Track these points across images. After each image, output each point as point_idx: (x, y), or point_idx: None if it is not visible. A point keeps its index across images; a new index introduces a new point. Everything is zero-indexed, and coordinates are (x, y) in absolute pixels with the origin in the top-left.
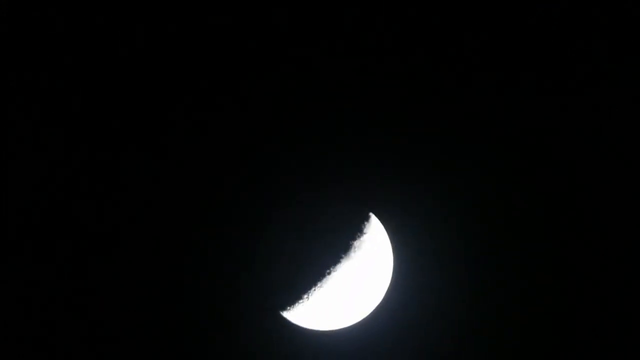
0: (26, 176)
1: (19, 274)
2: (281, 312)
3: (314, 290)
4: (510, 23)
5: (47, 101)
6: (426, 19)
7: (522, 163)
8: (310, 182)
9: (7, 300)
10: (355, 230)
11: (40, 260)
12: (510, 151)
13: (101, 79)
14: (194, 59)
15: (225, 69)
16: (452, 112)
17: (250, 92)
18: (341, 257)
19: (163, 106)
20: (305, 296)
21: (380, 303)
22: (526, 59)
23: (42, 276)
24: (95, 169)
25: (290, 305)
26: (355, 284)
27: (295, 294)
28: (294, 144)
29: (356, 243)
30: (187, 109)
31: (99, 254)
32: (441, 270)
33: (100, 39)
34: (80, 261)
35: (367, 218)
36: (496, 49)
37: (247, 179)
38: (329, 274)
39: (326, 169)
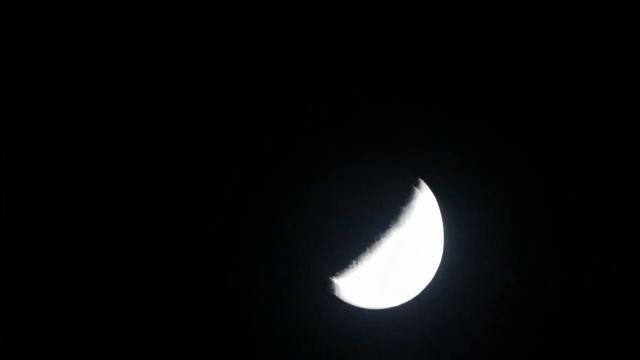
0: (37, 176)
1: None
2: (328, 284)
3: (362, 262)
4: None
5: (48, 101)
6: None
7: (579, 132)
8: (358, 147)
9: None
10: (405, 197)
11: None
12: (572, 120)
13: (110, 79)
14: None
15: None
16: (511, 79)
17: (305, 55)
18: (391, 232)
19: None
20: (353, 268)
21: (433, 279)
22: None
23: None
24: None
25: (337, 277)
26: (406, 256)
27: (342, 265)
28: (349, 104)
29: (406, 216)
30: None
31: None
32: (494, 241)
33: (100, 39)
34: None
35: (417, 190)
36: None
37: (294, 141)
38: (378, 249)
39: (376, 133)
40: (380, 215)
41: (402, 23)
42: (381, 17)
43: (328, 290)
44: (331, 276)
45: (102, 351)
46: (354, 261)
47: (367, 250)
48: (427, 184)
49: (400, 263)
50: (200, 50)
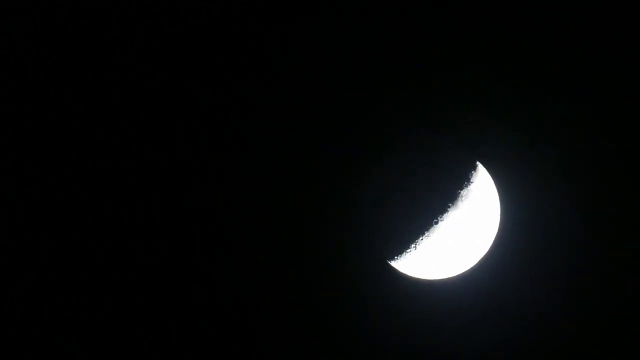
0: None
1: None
2: (389, 261)
3: (422, 239)
4: None
5: (49, 101)
6: None
7: None
8: (415, 128)
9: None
10: (463, 178)
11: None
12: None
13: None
14: None
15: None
16: (572, 61)
17: (365, 40)
18: (448, 206)
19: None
20: (413, 245)
21: (487, 253)
22: None
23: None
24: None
25: (397, 255)
26: (462, 234)
27: (402, 243)
28: (406, 87)
29: (463, 192)
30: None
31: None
32: (549, 222)
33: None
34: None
35: (474, 167)
36: None
37: (351, 123)
38: (436, 223)
39: (433, 115)
40: (439, 194)
41: (463, 8)
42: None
43: (387, 263)
44: (389, 260)
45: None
46: (413, 237)
47: (427, 227)
48: (485, 167)
49: (456, 238)
50: None
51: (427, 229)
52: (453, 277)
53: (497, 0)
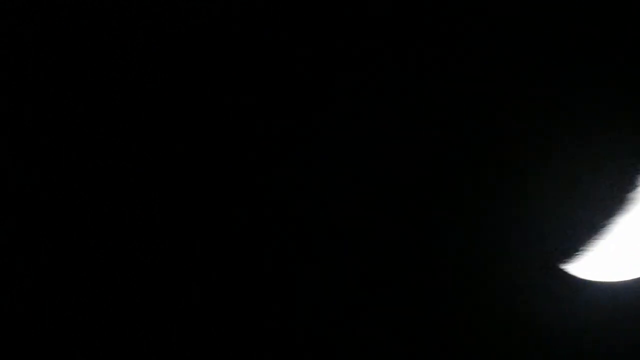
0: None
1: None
2: (560, 266)
3: (594, 241)
4: None
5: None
6: None
7: None
8: (586, 128)
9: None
10: (635, 181)
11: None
12: None
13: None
14: None
15: None
16: None
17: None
18: (621, 206)
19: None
20: (585, 248)
21: None
22: None
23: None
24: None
25: (569, 258)
26: (636, 236)
27: (574, 246)
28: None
29: (636, 195)
30: None
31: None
32: None
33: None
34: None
35: None
36: None
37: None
38: (609, 224)
39: (604, 112)
40: (609, 195)
41: None
42: None
43: (556, 264)
44: (560, 263)
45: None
46: (584, 239)
47: (598, 228)
48: None
49: (632, 239)
50: None
51: (601, 231)
52: (632, 279)
53: None
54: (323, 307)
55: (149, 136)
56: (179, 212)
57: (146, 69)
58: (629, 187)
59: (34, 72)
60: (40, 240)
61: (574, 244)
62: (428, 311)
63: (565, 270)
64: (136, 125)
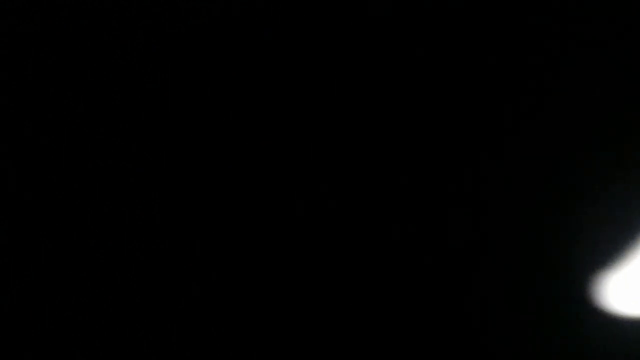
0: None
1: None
2: (594, 299)
3: (629, 272)
4: None
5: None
6: None
7: None
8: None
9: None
10: None
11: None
12: None
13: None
14: None
15: None
16: None
17: None
18: None
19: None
20: (620, 279)
21: None
22: None
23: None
24: None
25: (603, 290)
26: None
27: (608, 278)
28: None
29: None
30: None
31: None
32: None
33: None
34: None
35: None
36: None
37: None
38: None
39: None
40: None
41: None
42: None
43: (592, 299)
44: (595, 284)
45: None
46: (619, 270)
47: (632, 259)
48: None
49: None
50: None
51: (634, 261)
52: None
53: None
54: (326, 306)
55: (148, 136)
56: (178, 211)
57: (146, 69)
58: None
59: (34, 72)
60: (40, 240)
61: (608, 275)
62: (446, 338)
63: (599, 304)
64: (136, 125)
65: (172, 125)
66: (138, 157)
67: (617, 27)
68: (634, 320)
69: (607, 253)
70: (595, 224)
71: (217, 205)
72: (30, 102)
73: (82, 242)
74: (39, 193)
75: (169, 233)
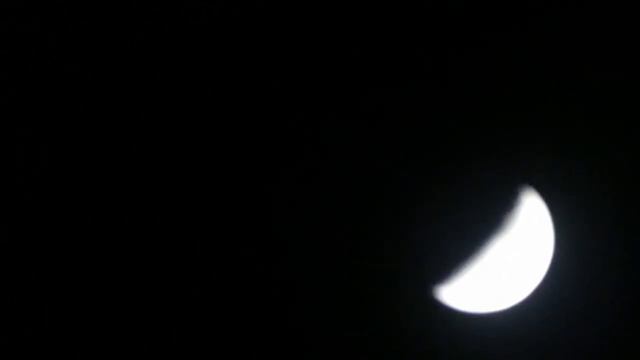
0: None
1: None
2: (433, 293)
3: (468, 270)
4: None
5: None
6: None
7: None
8: (463, 155)
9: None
10: (512, 206)
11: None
12: None
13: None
14: None
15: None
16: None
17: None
18: (497, 236)
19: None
20: (459, 277)
21: (539, 285)
22: None
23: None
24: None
25: (442, 287)
26: (512, 265)
27: (448, 275)
28: (452, 111)
29: (513, 220)
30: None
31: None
32: (611, 251)
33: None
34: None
35: (525, 193)
36: None
37: (400, 151)
38: (484, 254)
39: (480, 139)
40: (486, 224)
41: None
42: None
43: (430, 294)
44: (434, 281)
45: None
46: (458, 268)
47: (472, 258)
48: (537, 192)
49: (505, 269)
50: None
51: (475, 260)
52: (504, 310)
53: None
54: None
55: (149, 136)
56: (178, 211)
57: (146, 69)
58: (503, 217)
59: (34, 72)
60: (40, 240)
61: (448, 273)
62: (301, 329)
63: (439, 299)
64: (136, 125)
65: (168, 125)
66: (138, 157)
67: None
68: (469, 315)
69: (449, 258)
70: (437, 232)
71: (218, 204)
72: (30, 102)
73: (82, 242)
74: (39, 193)
75: (168, 233)
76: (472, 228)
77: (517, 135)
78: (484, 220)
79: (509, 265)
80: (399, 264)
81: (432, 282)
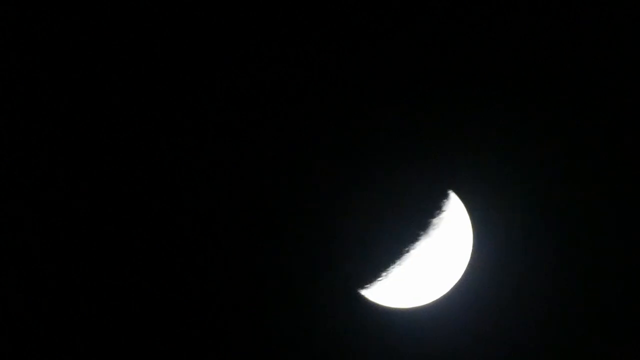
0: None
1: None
2: (358, 290)
3: (392, 268)
4: None
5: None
6: None
7: (615, 132)
8: (387, 159)
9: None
10: (434, 208)
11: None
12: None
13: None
14: None
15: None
16: (542, 88)
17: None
18: (420, 235)
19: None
20: (383, 274)
21: (459, 281)
22: None
23: None
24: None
25: (368, 283)
26: (433, 263)
27: (373, 272)
28: (374, 118)
29: (435, 221)
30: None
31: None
32: (524, 250)
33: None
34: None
35: (446, 196)
36: None
37: (325, 156)
38: (407, 252)
39: (404, 144)
40: (410, 223)
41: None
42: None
43: (355, 290)
44: (359, 289)
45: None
46: (383, 265)
47: (398, 256)
48: (457, 194)
49: (427, 266)
50: None
51: (399, 258)
52: (426, 305)
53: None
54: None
55: (148, 136)
56: (177, 211)
57: (146, 69)
58: (429, 217)
59: (34, 72)
60: (40, 240)
61: (373, 270)
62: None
63: (363, 295)
64: (136, 125)
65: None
66: (138, 156)
67: None
68: (393, 310)
69: (373, 256)
70: (362, 231)
71: (216, 204)
72: (30, 102)
73: (82, 242)
74: (39, 193)
75: (167, 232)
76: (396, 228)
77: (440, 141)
78: (407, 220)
79: (431, 263)
80: (326, 262)
81: (357, 279)
